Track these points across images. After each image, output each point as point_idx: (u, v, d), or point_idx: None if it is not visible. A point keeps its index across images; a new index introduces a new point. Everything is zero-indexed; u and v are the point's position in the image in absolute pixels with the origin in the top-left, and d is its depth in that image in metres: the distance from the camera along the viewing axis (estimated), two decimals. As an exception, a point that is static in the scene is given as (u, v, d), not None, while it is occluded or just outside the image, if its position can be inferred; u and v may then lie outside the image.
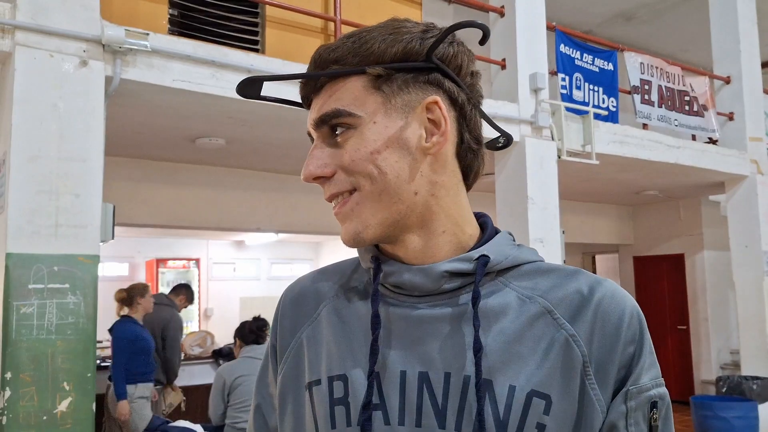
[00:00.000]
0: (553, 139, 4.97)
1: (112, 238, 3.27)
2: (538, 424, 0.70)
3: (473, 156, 0.81)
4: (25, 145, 2.98)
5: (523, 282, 0.77)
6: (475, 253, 0.77)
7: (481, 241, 0.80)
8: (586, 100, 5.44)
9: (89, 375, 2.99)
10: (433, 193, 0.77)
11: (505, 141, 0.87)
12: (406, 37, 0.75)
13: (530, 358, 0.72)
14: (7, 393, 2.78)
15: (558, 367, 0.71)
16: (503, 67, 4.95)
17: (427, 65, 0.75)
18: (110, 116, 3.40)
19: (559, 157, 4.94)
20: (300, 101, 0.83)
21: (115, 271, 8.26)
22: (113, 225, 3.29)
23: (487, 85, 5.08)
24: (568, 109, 5.10)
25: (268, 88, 0.82)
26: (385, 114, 0.75)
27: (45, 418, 2.85)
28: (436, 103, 0.75)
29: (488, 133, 0.85)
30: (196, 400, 4.85)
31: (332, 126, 0.77)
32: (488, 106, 4.66)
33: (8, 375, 2.79)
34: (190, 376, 5.57)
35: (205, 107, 3.79)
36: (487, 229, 0.82)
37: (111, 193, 3.39)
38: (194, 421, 3.36)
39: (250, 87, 0.80)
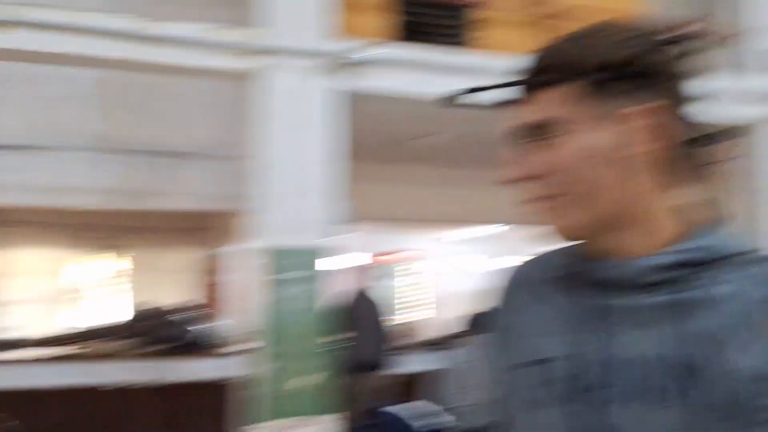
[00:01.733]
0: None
1: (351, 233, 3.61)
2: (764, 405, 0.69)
3: (687, 157, 0.81)
4: (275, 152, 3.40)
5: (736, 273, 0.75)
6: (682, 246, 0.77)
7: (693, 235, 0.79)
8: None
9: (333, 354, 3.33)
10: (640, 193, 0.77)
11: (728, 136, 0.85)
12: (619, 44, 0.76)
13: (751, 344, 0.71)
14: (264, 366, 3.20)
15: None
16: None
17: (639, 72, 0.76)
18: (346, 123, 3.73)
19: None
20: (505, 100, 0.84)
21: (348, 263, 8.91)
22: (351, 221, 3.64)
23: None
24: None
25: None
26: (595, 122, 0.77)
27: (296, 390, 3.22)
28: (645, 110, 0.76)
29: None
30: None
31: (542, 130, 0.79)
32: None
33: (264, 350, 3.21)
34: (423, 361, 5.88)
35: (430, 112, 3.98)
36: (702, 224, 0.80)
37: (348, 193, 3.72)
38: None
39: (464, 95, 0.85)
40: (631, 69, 0.76)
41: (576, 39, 0.79)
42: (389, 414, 3.46)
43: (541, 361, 0.81)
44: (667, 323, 0.74)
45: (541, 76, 0.79)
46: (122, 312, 6.78)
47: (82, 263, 7.85)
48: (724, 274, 0.75)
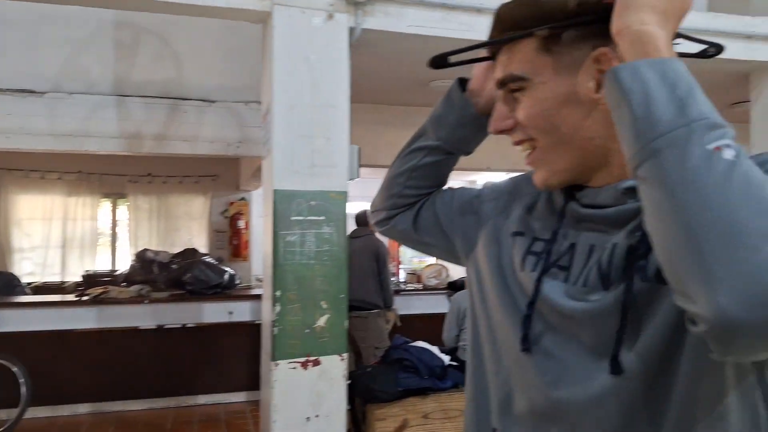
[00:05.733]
0: (825, 57, 4.33)
1: (358, 177, 3.62)
2: None
3: None
4: (285, 95, 3.40)
5: None
6: None
7: None
8: None
9: (342, 296, 3.39)
10: (611, 135, 0.79)
11: (715, 50, 0.87)
12: None
13: None
14: (278, 308, 3.28)
15: None
16: (764, -22, 4.39)
17: (592, 17, 0.79)
18: (354, 65, 3.71)
19: (834, 78, 4.30)
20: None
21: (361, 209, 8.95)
22: (359, 165, 3.64)
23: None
24: None
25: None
26: (555, 73, 0.83)
27: (307, 331, 3.32)
28: (604, 54, 0.79)
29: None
30: (433, 326, 5.19)
31: (511, 85, 0.87)
32: (744, 24, 4.20)
33: (278, 293, 3.29)
34: (429, 305, 5.97)
35: (437, 50, 3.93)
36: None
37: (356, 137, 3.71)
38: (431, 344, 3.66)
39: (442, 60, 0.96)
40: (579, 17, 0.79)
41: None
42: (417, 348, 3.55)
43: (538, 239, 0.93)
44: (623, 225, 0.81)
45: (501, 34, 0.86)
46: (139, 257, 6.91)
47: (100, 208, 7.98)
48: None
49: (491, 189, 1.10)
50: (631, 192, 0.80)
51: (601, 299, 0.80)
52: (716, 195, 0.59)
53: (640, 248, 0.76)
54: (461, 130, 1.07)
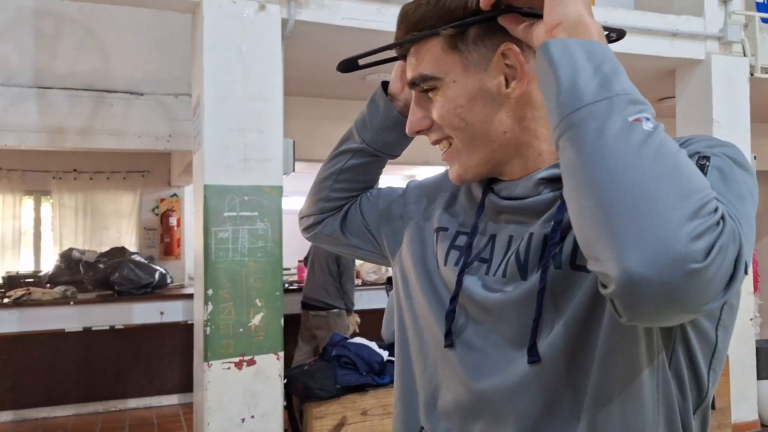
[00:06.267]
0: (744, 54, 4.51)
1: (293, 171, 3.55)
2: None
3: None
4: (215, 87, 3.30)
5: None
6: (551, 169, 0.84)
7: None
8: (788, 9, 4.84)
9: (278, 293, 3.32)
10: (523, 127, 0.84)
11: (616, 35, 0.89)
12: None
13: None
14: (210, 307, 3.19)
15: None
16: (687, -23, 4.54)
17: (494, 13, 0.80)
18: (288, 57, 3.64)
19: (752, 75, 4.49)
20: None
21: (298, 204, 8.88)
22: (294, 159, 3.57)
23: (669, -1, 4.70)
24: (764, 20, 4.59)
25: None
26: (464, 71, 0.84)
27: (241, 330, 3.23)
28: (510, 49, 0.81)
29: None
30: (372, 322, 5.18)
31: (422, 85, 0.87)
32: (668, 22, 4.33)
33: (210, 291, 3.19)
34: (368, 300, 5.95)
35: (372, 43, 3.90)
36: None
37: (291, 130, 3.65)
38: (370, 340, 3.63)
39: (351, 64, 0.96)
40: (482, 14, 0.80)
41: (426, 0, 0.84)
42: (355, 344, 3.52)
43: (461, 233, 0.94)
44: (539, 215, 0.84)
45: (407, 34, 0.87)
46: (65, 257, 6.63)
47: (23, 207, 7.63)
48: None
49: (415, 188, 1.11)
50: (546, 182, 0.83)
51: (518, 289, 0.82)
52: (630, 162, 0.61)
53: (555, 237, 0.79)
54: (386, 133, 1.07)
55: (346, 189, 1.12)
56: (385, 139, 1.08)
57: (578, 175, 0.64)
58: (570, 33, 0.70)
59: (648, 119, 0.64)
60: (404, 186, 1.14)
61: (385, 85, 1.07)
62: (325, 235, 1.17)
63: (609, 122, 0.63)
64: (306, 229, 1.20)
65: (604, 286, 0.63)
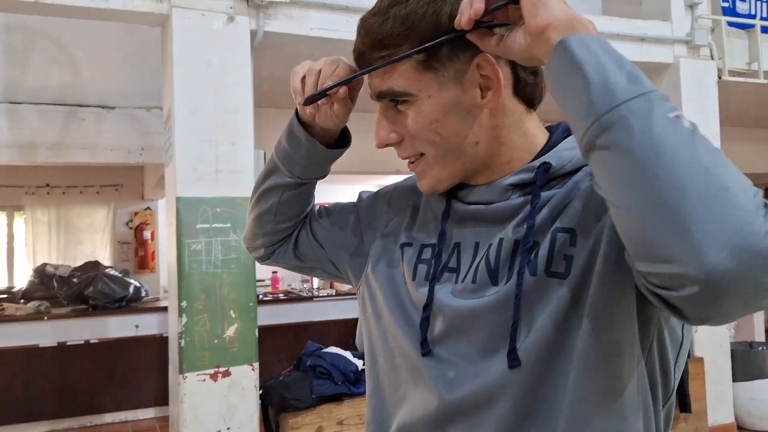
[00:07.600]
0: (712, 58, 4.60)
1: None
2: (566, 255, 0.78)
3: (533, 87, 0.86)
4: (186, 99, 3.29)
5: (564, 180, 0.83)
6: (537, 163, 0.83)
7: (543, 151, 0.85)
8: (752, 13, 4.94)
9: (252, 304, 3.31)
10: (495, 136, 0.84)
11: None
12: (441, 7, 0.79)
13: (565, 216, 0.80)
14: (184, 319, 3.17)
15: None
16: (653, -16, 4.62)
17: (461, 32, 0.78)
18: (258, 69, 3.64)
19: (720, 78, 4.58)
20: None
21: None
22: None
23: (635, 4, 4.78)
24: (730, 24, 4.68)
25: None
26: (439, 87, 0.82)
27: (216, 341, 3.22)
28: (485, 60, 0.80)
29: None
30: (347, 331, 5.18)
31: (392, 99, 0.85)
32: (636, 27, 4.40)
33: (184, 303, 3.18)
34: (342, 310, 5.94)
35: (341, 53, 3.91)
36: (552, 139, 0.87)
37: (262, 142, 3.64)
38: (344, 349, 3.63)
39: (318, 96, 0.91)
40: (455, 33, 0.79)
41: (402, 8, 0.81)
42: (330, 354, 3.51)
43: (425, 246, 0.92)
44: (508, 220, 0.84)
45: (372, 50, 0.83)
46: (38, 272, 6.55)
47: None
48: (557, 183, 0.83)
49: (369, 200, 1.08)
50: (515, 188, 0.83)
51: (491, 295, 0.81)
52: (689, 157, 0.59)
53: (528, 242, 0.78)
54: (314, 165, 1.02)
55: (290, 218, 1.08)
56: (314, 169, 1.03)
57: (633, 175, 0.61)
58: (566, 32, 0.68)
59: (683, 116, 0.63)
60: (356, 199, 1.11)
61: (297, 113, 1.01)
62: (279, 263, 1.14)
63: (653, 119, 0.61)
64: (259, 259, 1.16)
65: (670, 289, 0.60)
